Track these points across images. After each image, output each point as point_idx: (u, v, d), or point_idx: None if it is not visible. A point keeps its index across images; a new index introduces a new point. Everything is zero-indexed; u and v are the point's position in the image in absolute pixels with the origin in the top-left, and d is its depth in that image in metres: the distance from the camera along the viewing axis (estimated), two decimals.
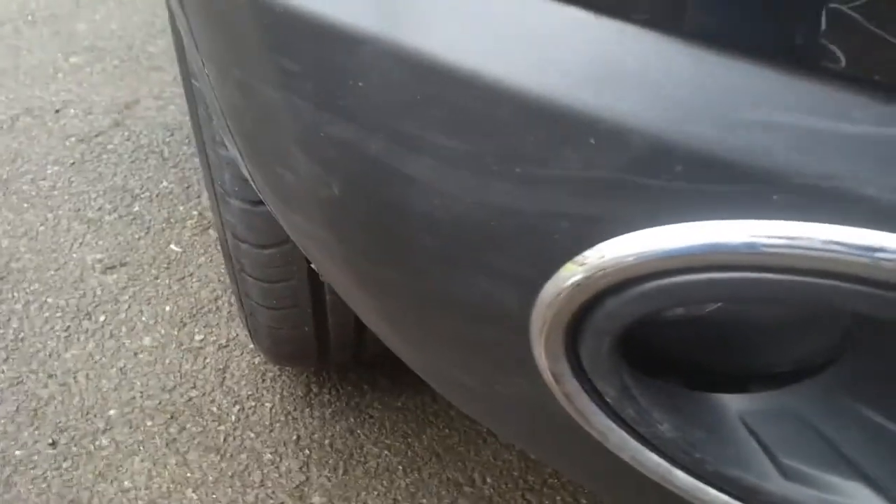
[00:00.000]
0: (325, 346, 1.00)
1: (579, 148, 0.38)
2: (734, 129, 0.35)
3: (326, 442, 1.15)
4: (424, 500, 1.09)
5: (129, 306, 1.40)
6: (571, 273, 0.41)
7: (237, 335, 1.33)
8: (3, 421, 1.20)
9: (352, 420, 1.18)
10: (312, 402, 1.21)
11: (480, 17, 0.40)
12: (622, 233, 0.39)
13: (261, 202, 0.81)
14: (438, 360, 0.57)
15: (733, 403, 0.48)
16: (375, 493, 1.09)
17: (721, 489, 0.47)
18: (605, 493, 0.59)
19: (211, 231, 1.57)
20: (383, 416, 1.19)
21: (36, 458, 1.15)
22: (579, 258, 0.41)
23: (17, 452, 1.16)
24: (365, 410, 1.20)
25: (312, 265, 0.81)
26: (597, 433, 0.48)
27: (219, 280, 1.45)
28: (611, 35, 0.36)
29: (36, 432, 1.18)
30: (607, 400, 0.47)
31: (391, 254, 0.50)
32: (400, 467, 1.12)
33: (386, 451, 1.14)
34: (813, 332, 0.47)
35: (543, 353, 0.46)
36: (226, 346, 1.31)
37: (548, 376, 0.47)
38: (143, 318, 1.38)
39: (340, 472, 1.11)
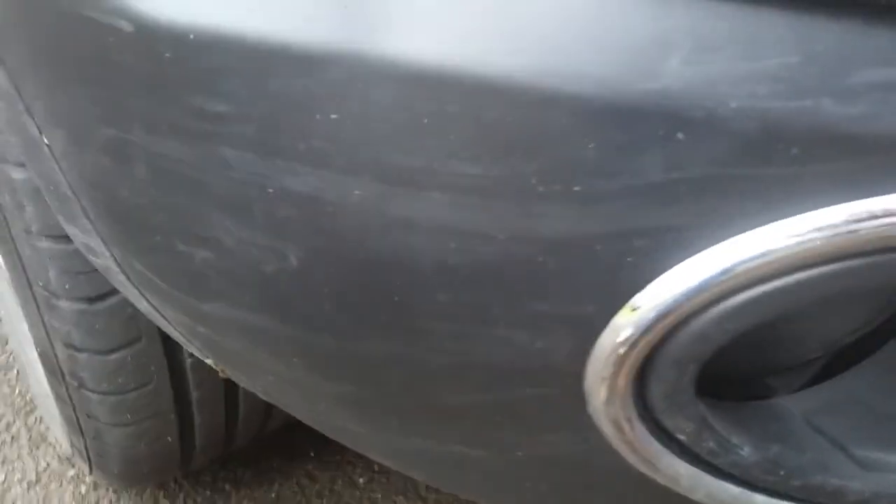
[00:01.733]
0: (189, 453, 0.84)
1: (663, 147, 0.30)
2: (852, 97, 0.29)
3: None
4: None
5: None
6: (652, 300, 0.34)
7: (48, 465, 1.09)
8: None
9: None
10: None
11: (503, 7, 0.31)
12: (717, 239, 0.32)
13: (101, 297, 0.65)
14: (426, 440, 0.47)
15: (795, 405, 0.43)
16: None
17: (806, 502, 0.42)
18: None
19: None
20: None
21: None
22: (658, 281, 0.33)
23: None
24: None
25: (195, 362, 0.66)
26: (665, 478, 0.41)
27: (4, 403, 1.19)
28: (694, 10, 0.29)
29: None
30: (679, 438, 0.40)
31: (378, 324, 0.39)
32: None
33: None
34: (862, 313, 0.43)
35: (603, 402, 0.38)
36: (37, 482, 1.07)
37: (606, 427, 0.39)
38: None
39: None
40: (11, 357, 1.27)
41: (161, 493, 1.04)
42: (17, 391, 1.22)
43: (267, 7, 0.33)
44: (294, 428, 0.98)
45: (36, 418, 1.17)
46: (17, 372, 1.24)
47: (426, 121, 0.32)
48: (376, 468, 1.08)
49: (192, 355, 0.72)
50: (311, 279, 0.38)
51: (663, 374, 0.37)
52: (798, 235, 0.30)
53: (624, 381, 0.37)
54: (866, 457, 0.42)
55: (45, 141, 0.45)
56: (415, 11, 0.31)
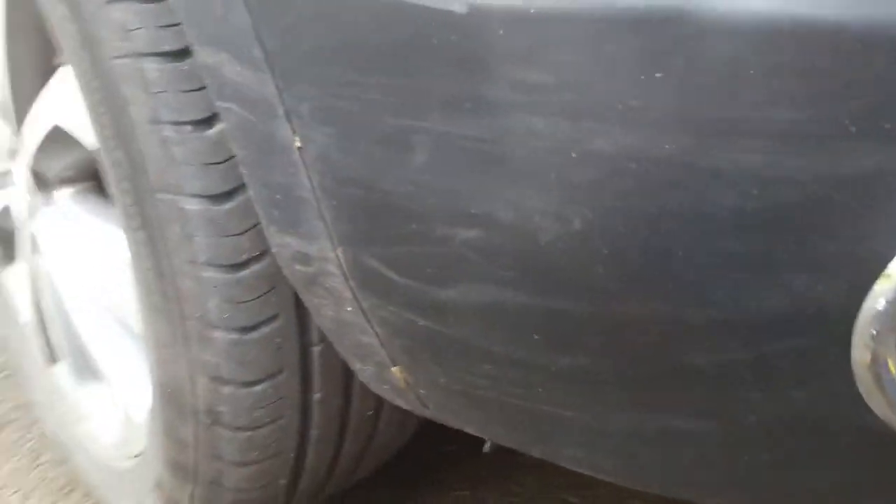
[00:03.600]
0: (289, 500, 0.83)
1: None
2: None
3: None
4: None
5: None
6: None
7: None
8: None
9: None
10: None
11: None
12: None
13: (254, 327, 0.67)
14: (653, 412, 0.50)
15: None
16: None
17: None
18: None
19: (6, 433, 1.24)
20: None
21: None
22: None
23: None
24: None
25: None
26: None
27: (42, 486, 1.15)
28: None
29: None
30: None
31: (650, 282, 0.43)
32: None
33: None
34: None
35: (870, 350, 0.42)
36: None
37: (864, 377, 0.43)
38: None
39: None
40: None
41: None
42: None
43: None
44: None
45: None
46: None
47: (751, 72, 0.37)
48: None
49: (322, 389, 0.73)
50: (592, 242, 0.43)
51: None
52: None
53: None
54: None
55: (298, 144, 0.49)
56: None
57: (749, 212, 0.40)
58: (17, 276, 1.15)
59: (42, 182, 1.00)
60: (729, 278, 0.42)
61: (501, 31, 0.40)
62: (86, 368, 1.01)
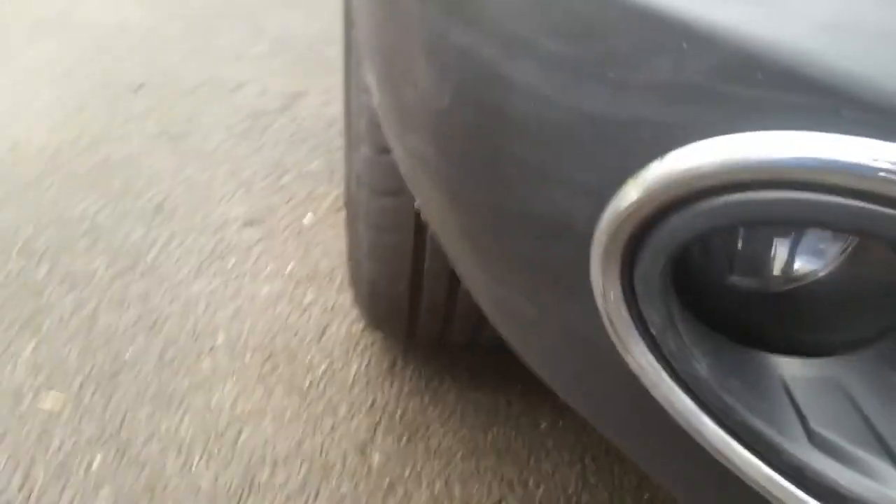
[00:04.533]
0: (415, 312, 1.06)
1: (671, 53, 0.41)
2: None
3: (398, 413, 1.20)
4: (475, 488, 1.10)
5: (258, 258, 1.52)
6: (642, 182, 0.44)
7: (342, 303, 1.41)
8: (123, 326, 1.33)
9: (426, 399, 1.22)
10: (395, 375, 1.26)
11: None
12: (698, 139, 0.42)
13: (385, 151, 0.88)
14: (504, 286, 0.61)
15: (777, 364, 0.49)
16: (431, 468, 1.12)
17: (744, 443, 0.48)
18: (637, 450, 0.60)
19: (342, 212, 1.68)
20: (456, 403, 1.22)
21: (142, 362, 1.26)
22: (651, 167, 0.44)
23: (127, 356, 1.28)
24: (440, 394, 1.24)
25: (421, 214, 0.87)
26: (635, 364, 0.50)
27: (338, 256, 1.55)
28: None
29: (149, 342, 1.30)
30: (651, 330, 0.49)
31: (483, 163, 0.55)
32: (459, 453, 1.15)
33: (450, 435, 1.17)
34: (875, 308, 0.47)
35: (600, 271, 0.49)
36: (330, 310, 1.39)
37: (599, 298, 0.50)
38: (267, 271, 1.49)
39: (404, 441, 1.15)
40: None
41: (401, 356, 1.29)
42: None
43: None
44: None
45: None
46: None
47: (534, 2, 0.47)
48: (560, 419, 1.21)
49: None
50: (453, 118, 0.56)
51: (643, 260, 0.47)
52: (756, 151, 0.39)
53: (616, 255, 0.48)
54: (820, 435, 0.47)
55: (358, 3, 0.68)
56: None
57: (531, 121, 0.49)
58: None
59: None
60: (521, 175, 0.52)
61: None
62: None
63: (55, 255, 1.50)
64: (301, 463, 1.12)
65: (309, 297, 1.42)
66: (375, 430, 1.17)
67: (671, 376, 0.49)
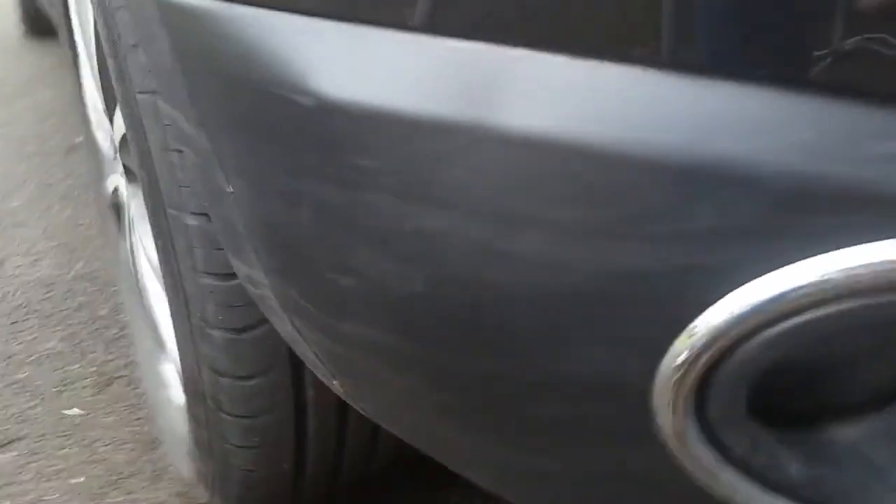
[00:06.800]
0: (300, 484, 0.94)
1: (714, 200, 0.39)
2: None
3: None
4: None
5: (36, 485, 1.24)
6: (705, 326, 0.42)
7: (166, 500, 1.21)
8: None
9: None
10: None
11: (581, 92, 0.41)
12: (758, 275, 0.40)
13: (247, 328, 0.76)
14: (514, 449, 0.55)
15: (843, 431, 0.49)
16: None
17: None
18: None
19: (114, 386, 1.44)
20: None
21: None
22: (712, 309, 0.41)
23: None
24: None
25: (337, 387, 0.76)
26: (723, 491, 0.48)
27: (134, 439, 1.33)
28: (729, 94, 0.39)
29: None
30: (735, 454, 0.46)
31: (486, 342, 0.48)
32: None
33: None
34: None
35: (670, 417, 0.45)
36: None
37: (671, 441, 0.46)
38: (55, 496, 1.22)
39: None
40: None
41: None
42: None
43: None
44: (392, 474, 1.06)
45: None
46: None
47: (528, 176, 0.41)
48: None
49: (314, 387, 0.82)
50: (431, 301, 0.48)
51: (718, 393, 0.44)
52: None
53: (685, 398, 0.45)
54: None
55: (230, 189, 0.57)
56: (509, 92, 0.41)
57: (545, 292, 0.44)
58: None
59: (130, 174, 1.17)
60: (541, 347, 0.46)
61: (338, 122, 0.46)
62: (160, 341, 1.17)
63: None
64: None
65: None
66: None
67: (766, 490, 0.47)
